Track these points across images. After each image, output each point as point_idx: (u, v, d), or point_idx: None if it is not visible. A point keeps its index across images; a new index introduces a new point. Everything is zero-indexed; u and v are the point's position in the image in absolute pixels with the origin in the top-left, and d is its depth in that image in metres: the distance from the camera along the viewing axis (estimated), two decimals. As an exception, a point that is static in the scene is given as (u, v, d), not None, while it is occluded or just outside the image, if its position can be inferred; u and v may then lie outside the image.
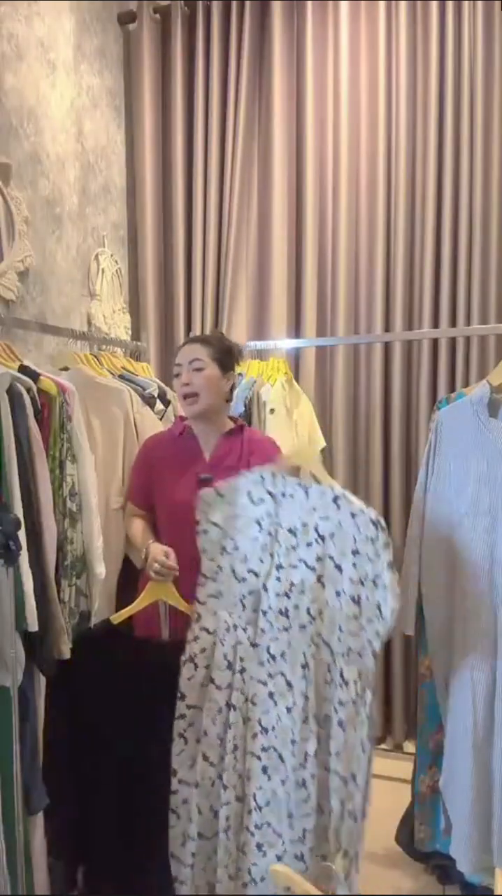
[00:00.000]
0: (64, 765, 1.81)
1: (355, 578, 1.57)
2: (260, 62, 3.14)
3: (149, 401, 2.40)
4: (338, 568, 1.60)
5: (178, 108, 3.20)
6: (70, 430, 1.83)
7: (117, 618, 1.86)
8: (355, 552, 1.57)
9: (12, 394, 1.63)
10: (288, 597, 1.65)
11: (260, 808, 1.64)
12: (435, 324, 2.93)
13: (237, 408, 2.60)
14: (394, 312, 2.99)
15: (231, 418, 2.08)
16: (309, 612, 1.63)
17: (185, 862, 1.73)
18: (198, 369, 1.96)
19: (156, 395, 2.47)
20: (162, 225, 3.27)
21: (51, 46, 2.65)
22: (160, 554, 1.83)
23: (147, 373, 2.68)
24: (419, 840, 2.03)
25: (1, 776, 1.57)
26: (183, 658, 1.75)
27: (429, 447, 2.04)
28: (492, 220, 2.84)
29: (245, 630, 1.71)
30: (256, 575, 1.70)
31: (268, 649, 1.67)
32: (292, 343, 3.03)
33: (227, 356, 2.02)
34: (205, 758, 1.71)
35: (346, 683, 1.58)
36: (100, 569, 1.88)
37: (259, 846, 1.63)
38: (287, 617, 1.65)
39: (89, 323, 2.89)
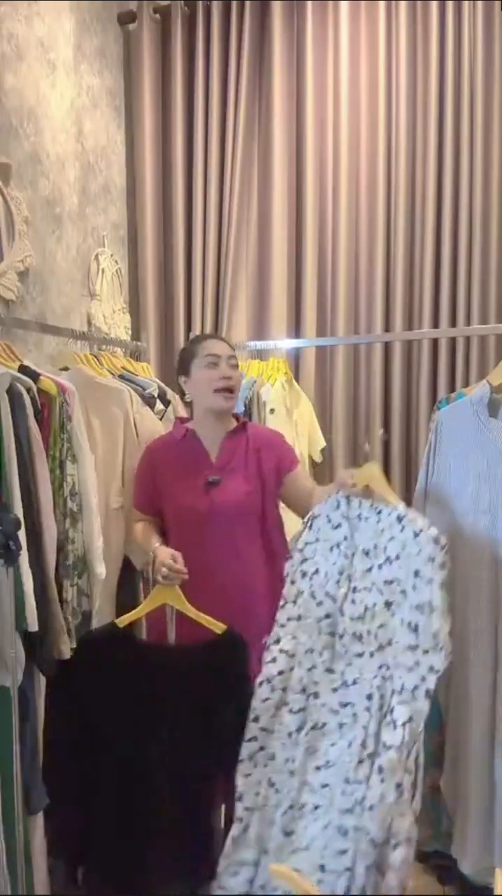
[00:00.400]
0: (64, 764, 1.80)
1: (414, 603, 1.53)
2: (260, 62, 3.14)
3: (149, 401, 2.40)
4: (404, 593, 1.57)
5: (178, 108, 3.20)
6: (70, 430, 1.83)
7: (122, 621, 1.85)
8: (417, 573, 1.54)
9: (12, 394, 1.63)
10: (362, 621, 1.63)
11: (302, 850, 1.54)
12: (436, 324, 2.92)
13: (237, 408, 2.61)
14: (394, 312, 2.99)
15: (234, 416, 2.07)
16: (377, 639, 1.59)
17: (235, 889, 1.65)
18: (234, 366, 2.00)
19: (156, 395, 2.47)
20: (162, 225, 3.27)
21: (51, 46, 2.65)
22: (167, 557, 1.80)
23: (147, 373, 2.68)
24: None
25: (1, 776, 1.57)
26: (259, 680, 1.72)
27: (429, 447, 2.04)
28: (492, 220, 2.84)
29: (321, 654, 1.68)
30: (333, 599, 1.69)
31: (342, 675, 1.63)
32: (292, 343, 3.03)
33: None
34: (271, 783, 1.66)
35: (395, 726, 1.49)
36: (100, 569, 1.88)
37: None
38: (361, 641, 1.62)
39: (89, 323, 2.89)
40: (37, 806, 1.68)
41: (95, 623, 1.89)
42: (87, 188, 2.93)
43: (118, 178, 3.20)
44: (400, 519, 1.61)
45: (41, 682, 1.73)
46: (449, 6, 2.83)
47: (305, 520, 1.81)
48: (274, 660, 1.72)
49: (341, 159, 3.02)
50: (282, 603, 1.77)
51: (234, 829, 1.67)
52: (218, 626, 1.78)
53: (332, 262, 3.09)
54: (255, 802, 1.66)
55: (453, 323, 2.90)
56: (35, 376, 1.78)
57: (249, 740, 1.70)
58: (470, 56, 2.83)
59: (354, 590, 1.66)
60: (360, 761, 1.52)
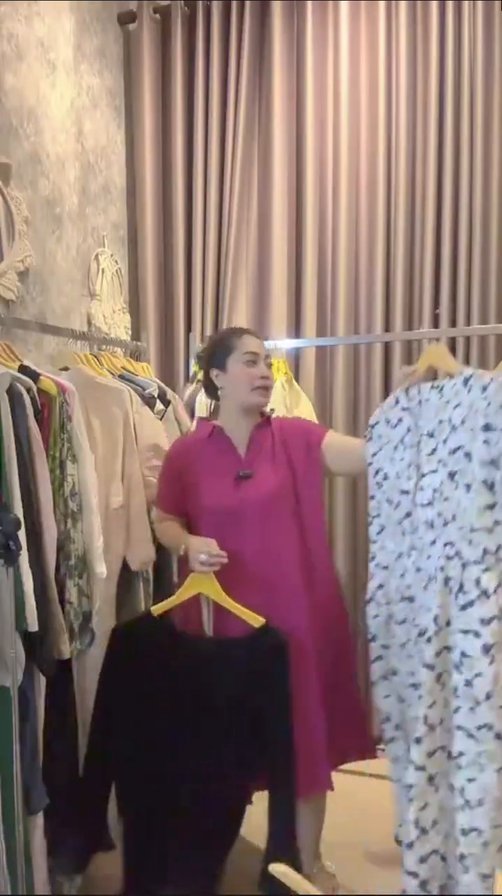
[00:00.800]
0: (96, 750, 1.80)
1: (486, 459, 1.40)
2: (260, 62, 3.14)
3: (148, 401, 2.40)
4: (468, 456, 1.45)
5: (178, 108, 3.20)
6: (70, 430, 1.83)
7: (157, 609, 1.82)
8: (486, 427, 1.41)
9: (12, 394, 1.63)
10: (431, 506, 1.56)
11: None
12: (436, 324, 2.92)
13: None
14: (394, 312, 2.99)
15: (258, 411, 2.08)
16: (442, 516, 1.51)
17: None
18: (269, 365, 2.02)
19: (156, 395, 2.47)
20: (162, 225, 3.27)
21: (51, 46, 2.65)
22: (202, 545, 1.78)
23: (147, 373, 2.68)
24: None
25: (1, 776, 1.57)
26: (365, 598, 1.73)
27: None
28: (492, 220, 2.84)
29: (409, 555, 1.63)
30: (407, 493, 1.65)
31: (425, 571, 1.57)
32: (292, 343, 3.03)
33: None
34: (400, 699, 1.65)
35: (487, 595, 1.38)
36: (100, 569, 1.88)
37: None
38: (432, 528, 1.54)
39: (89, 323, 2.89)
40: (37, 806, 1.68)
41: (95, 623, 1.89)
42: (87, 188, 2.93)
43: (118, 178, 3.20)
44: (466, 381, 1.52)
45: (41, 682, 1.73)
46: (449, 6, 2.83)
47: (365, 433, 1.80)
48: (372, 576, 1.73)
49: (341, 159, 3.02)
50: (368, 520, 1.78)
51: (388, 750, 1.73)
52: (256, 619, 1.75)
53: (332, 262, 3.09)
54: (398, 720, 1.68)
55: (453, 323, 2.90)
56: (35, 376, 1.78)
57: (375, 660, 1.70)
58: (470, 56, 2.83)
59: (421, 476, 1.60)
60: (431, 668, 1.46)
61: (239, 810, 1.83)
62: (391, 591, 1.69)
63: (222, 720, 1.74)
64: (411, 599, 1.63)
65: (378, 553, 1.74)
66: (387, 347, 3.01)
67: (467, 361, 2.87)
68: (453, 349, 2.91)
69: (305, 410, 2.90)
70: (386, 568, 1.71)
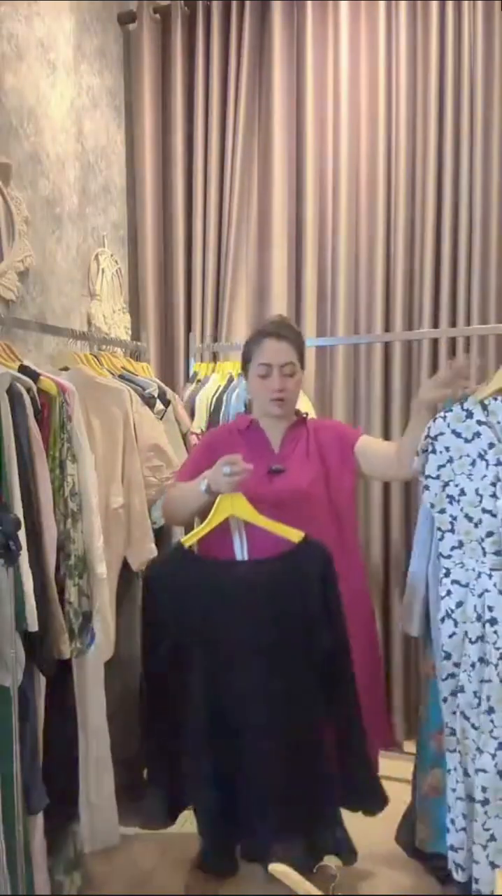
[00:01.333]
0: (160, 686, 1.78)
1: None
2: (260, 62, 3.13)
3: (148, 401, 2.41)
4: None
5: (178, 108, 3.20)
6: (70, 430, 1.83)
7: (188, 540, 1.79)
8: None
9: (12, 394, 1.63)
10: None
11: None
12: (435, 324, 2.92)
13: (237, 407, 2.61)
14: (394, 312, 2.98)
15: (295, 411, 2.06)
16: None
17: (456, 826, 1.66)
18: (290, 375, 1.94)
19: (155, 395, 2.47)
20: (162, 225, 3.27)
21: (51, 46, 2.65)
22: (225, 460, 1.72)
23: (147, 373, 2.69)
24: (420, 841, 2.02)
25: (1, 776, 1.57)
26: (440, 615, 1.71)
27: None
28: (492, 220, 2.84)
29: (490, 576, 1.62)
30: (492, 514, 1.62)
31: None
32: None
33: (303, 351, 2.02)
34: (465, 717, 1.65)
35: None
36: (100, 569, 1.88)
37: None
38: None
39: (89, 323, 2.89)
40: (37, 806, 1.68)
41: (95, 623, 1.89)
42: (87, 188, 2.93)
43: (118, 178, 3.20)
44: None
45: (41, 682, 1.73)
46: (449, 6, 2.83)
47: (421, 447, 1.75)
48: (449, 593, 1.70)
49: (341, 159, 3.02)
50: (438, 536, 1.74)
51: (449, 761, 1.71)
52: (295, 534, 1.72)
53: (332, 262, 3.09)
54: (459, 735, 1.69)
55: (453, 323, 2.90)
56: (35, 376, 1.78)
57: (446, 678, 1.70)
58: (470, 56, 2.83)
59: None
60: None
61: (316, 746, 1.76)
62: (467, 609, 1.68)
63: (276, 637, 1.70)
64: (493, 622, 1.62)
65: (453, 569, 1.72)
66: (387, 347, 3.01)
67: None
68: (453, 349, 2.92)
69: (305, 410, 2.90)
70: (465, 586, 1.69)
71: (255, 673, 1.71)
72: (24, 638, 1.59)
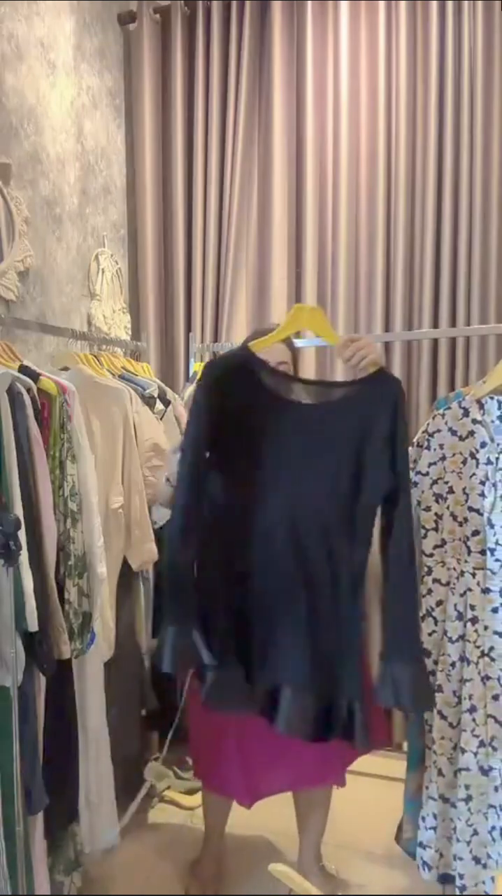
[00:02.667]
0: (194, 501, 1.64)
1: None
2: (260, 62, 3.13)
3: (148, 401, 2.40)
4: None
5: (178, 108, 3.20)
6: (70, 430, 1.82)
7: (255, 345, 1.72)
8: None
9: (12, 394, 1.63)
10: None
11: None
12: (435, 324, 2.92)
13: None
14: (394, 312, 2.98)
15: None
16: None
17: (426, 825, 1.64)
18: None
19: (155, 396, 2.47)
20: (162, 225, 3.27)
21: (51, 46, 2.65)
22: None
23: (147, 373, 2.69)
24: (405, 840, 1.98)
25: (1, 776, 1.57)
26: (421, 613, 1.68)
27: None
28: (492, 220, 2.84)
29: (474, 575, 1.61)
30: (479, 513, 1.61)
31: (500, 593, 1.55)
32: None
33: (296, 356, 2.07)
34: (442, 716, 1.64)
35: None
36: (100, 569, 1.87)
37: None
38: None
39: (89, 323, 2.89)
40: (37, 806, 1.68)
41: (95, 623, 1.89)
42: (87, 188, 2.93)
43: (118, 178, 3.20)
44: None
45: (41, 682, 1.73)
46: (449, 6, 2.83)
47: (417, 440, 1.73)
48: (429, 591, 1.69)
49: (341, 159, 3.02)
50: (421, 534, 1.72)
51: (427, 758, 1.70)
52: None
53: (332, 262, 3.09)
54: (435, 735, 1.68)
55: (453, 323, 2.90)
56: (35, 376, 1.78)
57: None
58: (470, 56, 2.83)
59: (500, 497, 1.57)
60: None
61: (358, 580, 1.59)
62: (448, 608, 1.68)
63: (336, 460, 1.61)
64: (474, 621, 1.61)
65: (435, 568, 1.71)
66: (387, 347, 3.01)
67: (467, 361, 2.87)
68: (453, 349, 2.92)
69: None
70: (446, 584, 1.68)
71: (307, 496, 1.59)
72: (24, 638, 1.59)
